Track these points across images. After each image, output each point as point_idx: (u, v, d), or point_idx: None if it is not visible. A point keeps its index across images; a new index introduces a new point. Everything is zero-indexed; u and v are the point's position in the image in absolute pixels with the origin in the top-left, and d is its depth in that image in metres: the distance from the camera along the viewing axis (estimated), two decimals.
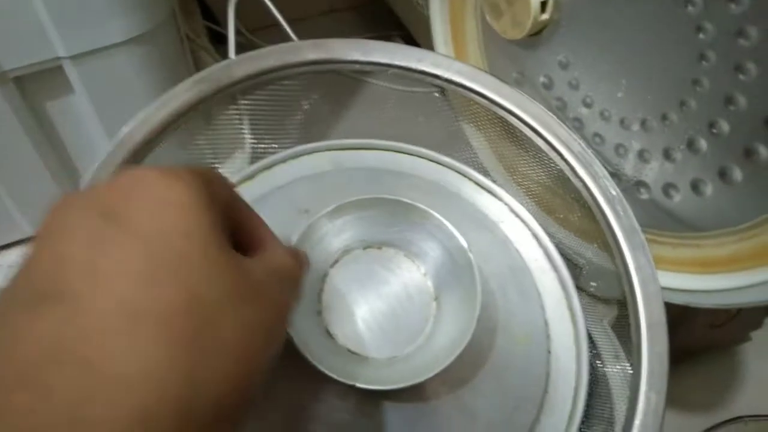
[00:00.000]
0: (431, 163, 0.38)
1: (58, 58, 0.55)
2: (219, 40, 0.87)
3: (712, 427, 0.57)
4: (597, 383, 0.33)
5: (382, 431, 0.28)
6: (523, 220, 0.37)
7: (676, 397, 0.60)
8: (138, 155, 0.32)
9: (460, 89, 0.36)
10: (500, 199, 0.37)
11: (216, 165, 0.36)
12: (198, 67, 0.67)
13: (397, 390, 0.27)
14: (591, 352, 0.34)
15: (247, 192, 0.36)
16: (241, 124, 0.35)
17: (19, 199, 0.61)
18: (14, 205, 0.61)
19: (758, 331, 0.64)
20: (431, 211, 0.29)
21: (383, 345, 0.28)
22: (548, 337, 0.33)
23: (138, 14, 0.58)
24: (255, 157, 0.37)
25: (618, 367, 0.34)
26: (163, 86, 0.60)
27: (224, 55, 0.43)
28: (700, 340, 0.63)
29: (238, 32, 0.93)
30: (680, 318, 0.59)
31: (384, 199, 0.30)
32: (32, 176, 0.59)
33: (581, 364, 0.33)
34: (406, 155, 0.39)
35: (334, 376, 0.25)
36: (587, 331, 0.34)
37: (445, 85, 0.37)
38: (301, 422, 0.27)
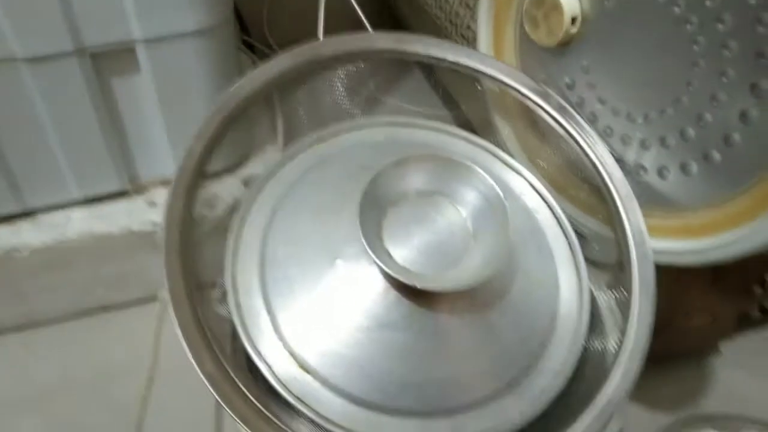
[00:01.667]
0: (468, 143, 0.46)
1: (133, 40, 0.63)
2: (251, 49, 0.97)
3: (676, 422, 0.64)
4: (594, 324, 0.41)
5: (420, 331, 0.35)
6: (541, 195, 0.45)
7: (646, 395, 0.67)
8: (239, 110, 0.39)
9: (498, 83, 0.45)
10: (523, 177, 0.45)
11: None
12: (240, 69, 0.75)
13: (436, 299, 0.35)
14: (591, 302, 0.41)
15: (320, 151, 0.44)
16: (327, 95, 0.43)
17: (73, 163, 0.68)
18: (68, 167, 0.68)
19: (728, 346, 0.70)
20: (475, 167, 0.37)
21: (431, 267, 0.36)
22: (558, 285, 0.41)
23: (208, 8, 0.66)
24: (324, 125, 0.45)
25: (611, 314, 0.41)
26: (218, 81, 0.69)
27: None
28: (677, 345, 0.69)
29: (267, 45, 1.03)
30: (662, 322, 0.66)
31: (436, 156, 0.37)
32: (89, 144, 0.67)
33: (583, 307, 0.40)
34: (447, 135, 0.47)
35: (399, 277, 0.33)
36: (588, 285, 0.42)
37: (484, 78, 0.45)
38: (359, 317, 0.35)
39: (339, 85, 0.44)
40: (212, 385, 0.30)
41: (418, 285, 0.33)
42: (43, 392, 0.69)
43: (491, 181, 0.37)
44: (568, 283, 0.41)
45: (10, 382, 0.70)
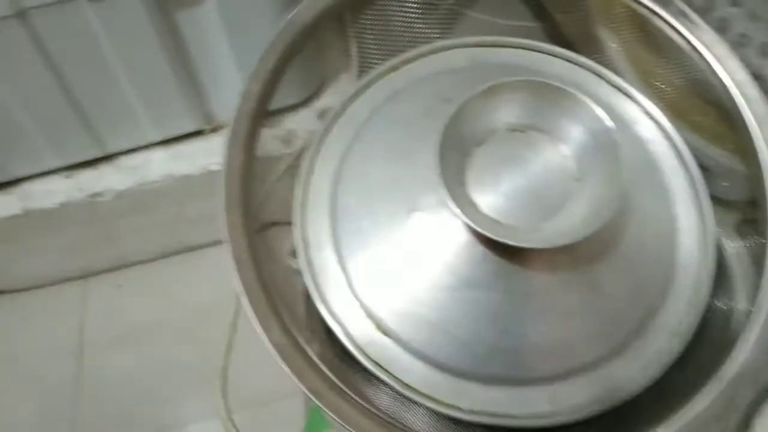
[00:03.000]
0: (566, 62, 0.39)
1: None
2: None
3: None
4: (721, 277, 0.34)
5: (512, 291, 0.31)
6: (656, 121, 0.38)
7: None
8: (301, 40, 0.35)
9: None
10: (635, 101, 0.38)
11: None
12: None
13: (531, 255, 0.30)
14: (716, 249, 0.35)
15: (393, 83, 0.38)
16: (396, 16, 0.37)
17: (147, 104, 0.67)
18: (143, 109, 0.67)
19: None
20: (579, 94, 0.31)
21: (526, 217, 0.31)
22: (676, 230, 0.35)
23: None
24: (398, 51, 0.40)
25: (740, 265, 0.35)
26: (286, 4, 0.63)
27: None
28: None
29: None
30: None
31: (532, 81, 0.31)
32: (160, 83, 0.65)
33: (707, 256, 0.34)
34: (541, 54, 0.40)
35: (487, 233, 0.28)
36: (714, 229, 0.35)
37: None
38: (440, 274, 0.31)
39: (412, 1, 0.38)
40: (281, 356, 0.27)
41: (510, 242, 0.28)
42: (135, 331, 0.71)
43: (600, 111, 0.31)
44: (689, 228, 0.35)
45: (103, 321, 0.73)
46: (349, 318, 0.32)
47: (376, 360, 0.31)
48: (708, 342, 0.32)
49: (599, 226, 0.29)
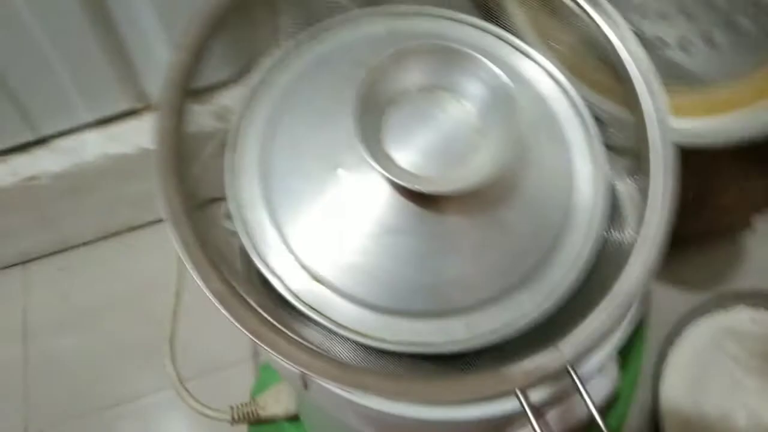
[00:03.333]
0: (473, 28, 0.43)
1: None
2: None
3: (708, 301, 0.63)
4: (615, 214, 0.39)
5: (429, 234, 0.34)
6: (555, 80, 0.42)
7: (678, 276, 0.66)
8: (224, 12, 0.37)
9: None
10: (536, 62, 0.42)
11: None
12: None
13: (443, 201, 0.34)
14: (608, 190, 0.39)
15: (314, 51, 0.41)
16: None
17: (78, 84, 0.67)
18: (74, 89, 0.67)
19: (760, 221, 0.68)
20: (477, 55, 0.34)
21: (437, 168, 0.34)
22: (572, 175, 0.39)
23: None
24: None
25: (631, 204, 0.40)
26: None
27: None
28: (708, 224, 0.68)
29: None
30: (694, 203, 0.64)
31: (435, 45, 0.35)
32: (90, 62, 0.65)
33: (598, 196, 0.38)
34: (453, 22, 0.43)
35: (402, 183, 0.32)
36: (606, 173, 0.40)
37: None
38: (365, 224, 0.34)
39: None
40: (220, 301, 0.30)
41: (423, 189, 0.31)
42: (80, 312, 0.72)
43: (497, 70, 0.34)
44: (584, 173, 0.39)
45: (49, 305, 0.74)
46: (284, 270, 0.35)
47: (310, 305, 0.34)
48: (603, 269, 0.37)
49: (498, 173, 0.32)
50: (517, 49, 0.43)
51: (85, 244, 0.78)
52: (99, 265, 0.77)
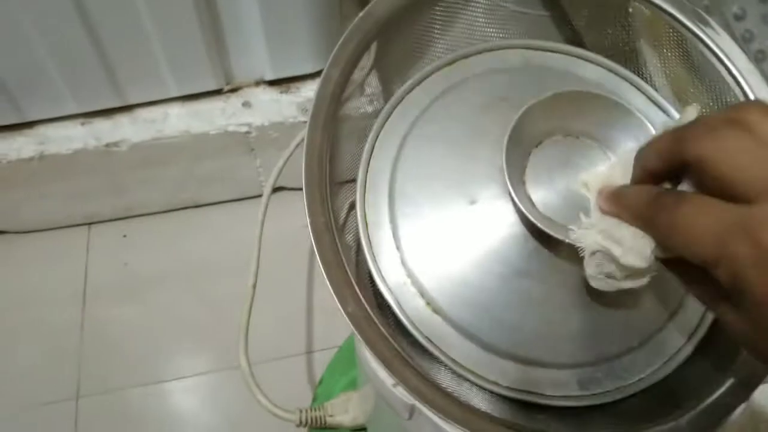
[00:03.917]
0: (612, 74, 0.42)
1: None
2: None
3: None
4: None
5: (558, 283, 0.34)
6: None
7: None
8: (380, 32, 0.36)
9: (651, 6, 0.40)
10: (667, 113, 0.42)
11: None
12: None
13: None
14: None
15: (447, 78, 0.41)
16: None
17: (171, 59, 0.67)
18: (166, 63, 0.67)
19: None
20: (632, 109, 0.34)
21: (570, 217, 0.34)
22: None
23: None
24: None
25: None
26: None
27: None
28: None
29: None
30: None
31: (588, 93, 0.34)
32: (187, 39, 0.65)
33: None
34: (584, 61, 0.42)
35: (546, 229, 0.31)
36: None
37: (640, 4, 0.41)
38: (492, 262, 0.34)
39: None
40: (355, 326, 0.30)
41: (568, 239, 0.31)
42: (140, 282, 0.73)
43: (647, 126, 0.34)
44: None
45: (109, 269, 0.74)
46: (404, 298, 0.35)
47: (426, 335, 0.34)
48: (720, 344, 0.36)
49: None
50: (647, 96, 0.42)
51: (150, 214, 0.79)
52: (161, 237, 0.77)
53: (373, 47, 0.38)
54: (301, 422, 0.49)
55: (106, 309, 0.71)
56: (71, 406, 0.64)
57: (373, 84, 0.44)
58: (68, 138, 0.69)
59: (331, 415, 0.50)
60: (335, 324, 0.68)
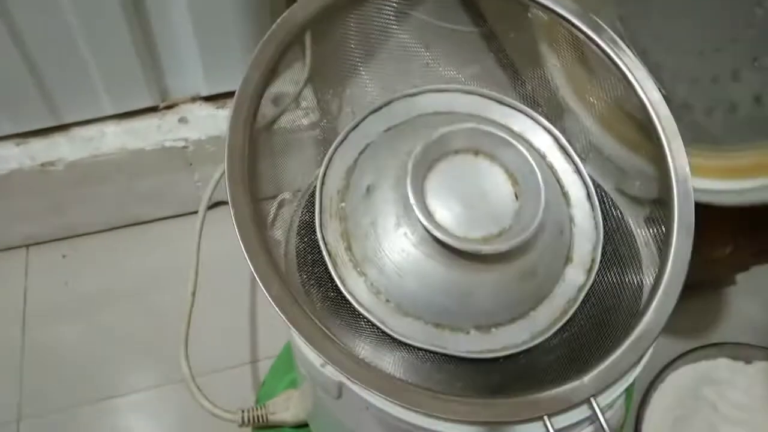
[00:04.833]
0: (503, 106, 0.47)
1: None
2: None
3: (692, 350, 0.67)
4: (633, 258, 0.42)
5: (466, 275, 0.37)
6: (563, 149, 0.46)
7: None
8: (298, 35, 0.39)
9: (549, 13, 0.45)
10: (550, 133, 0.46)
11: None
12: None
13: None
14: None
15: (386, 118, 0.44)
16: None
17: (106, 76, 0.68)
18: (101, 81, 0.68)
19: (743, 276, 0.72)
20: (514, 141, 0.38)
21: (473, 228, 0.37)
22: (574, 226, 0.43)
23: None
24: None
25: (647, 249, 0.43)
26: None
27: None
28: (697, 275, 0.72)
29: None
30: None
31: (479, 129, 0.39)
32: (121, 56, 0.66)
33: (596, 249, 0.43)
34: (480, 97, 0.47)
35: (445, 240, 0.35)
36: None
37: (535, 7, 0.45)
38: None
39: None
40: (280, 307, 0.32)
41: (466, 249, 0.35)
42: (82, 301, 0.72)
43: (529, 156, 0.38)
44: (583, 225, 0.44)
45: (50, 291, 0.74)
46: (354, 286, 0.38)
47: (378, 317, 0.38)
48: (622, 308, 0.40)
49: (529, 236, 0.36)
50: (538, 123, 0.47)
51: (91, 233, 0.78)
52: (103, 255, 0.77)
53: (308, 60, 0.41)
54: (243, 422, 0.51)
55: (47, 329, 0.71)
56: (12, 428, 0.64)
57: (308, 98, 0.46)
58: (3, 158, 0.68)
59: (272, 413, 0.51)
60: (278, 333, 0.69)
